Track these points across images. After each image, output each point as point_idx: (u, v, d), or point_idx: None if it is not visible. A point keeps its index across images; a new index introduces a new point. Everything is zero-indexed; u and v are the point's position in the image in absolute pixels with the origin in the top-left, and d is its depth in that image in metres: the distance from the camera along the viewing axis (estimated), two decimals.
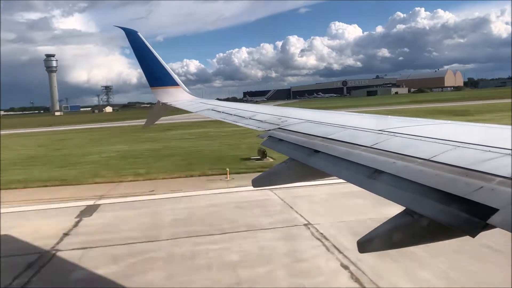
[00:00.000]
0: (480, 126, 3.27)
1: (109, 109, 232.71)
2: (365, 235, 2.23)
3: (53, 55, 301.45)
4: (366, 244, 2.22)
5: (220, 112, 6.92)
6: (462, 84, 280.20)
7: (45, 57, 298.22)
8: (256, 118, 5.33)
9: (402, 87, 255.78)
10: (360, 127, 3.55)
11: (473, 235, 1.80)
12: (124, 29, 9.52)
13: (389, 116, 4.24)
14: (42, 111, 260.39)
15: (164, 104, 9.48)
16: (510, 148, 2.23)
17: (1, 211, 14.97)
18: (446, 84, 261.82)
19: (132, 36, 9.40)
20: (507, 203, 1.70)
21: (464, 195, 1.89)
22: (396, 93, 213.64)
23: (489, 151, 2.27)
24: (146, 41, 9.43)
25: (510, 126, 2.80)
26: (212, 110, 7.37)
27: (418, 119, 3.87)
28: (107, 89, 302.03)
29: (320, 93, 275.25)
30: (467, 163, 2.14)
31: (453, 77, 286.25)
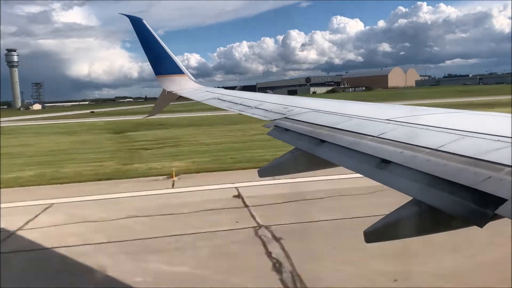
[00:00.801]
0: (488, 115, 3.24)
1: (37, 106, 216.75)
2: (372, 225, 2.23)
3: (14, 50, 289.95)
4: (372, 234, 2.23)
5: (225, 101, 6.90)
6: (414, 83, 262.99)
7: (6, 51, 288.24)
8: (262, 107, 5.31)
9: (344, 85, 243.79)
10: (366, 117, 3.53)
11: (481, 225, 1.80)
12: (129, 16, 9.47)
13: (396, 105, 4.20)
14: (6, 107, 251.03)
15: (169, 92, 9.45)
16: None
17: None
18: (390, 83, 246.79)
19: (137, 24, 9.35)
20: None
21: (472, 185, 1.88)
22: (314, 92, 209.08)
23: (498, 140, 2.25)
24: (151, 29, 9.39)
25: None
26: (217, 99, 7.35)
27: (425, 108, 3.83)
28: (37, 86, 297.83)
29: (269, 90, 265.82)
30: (475, 153, 2.12)
31: (403, 75, 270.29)
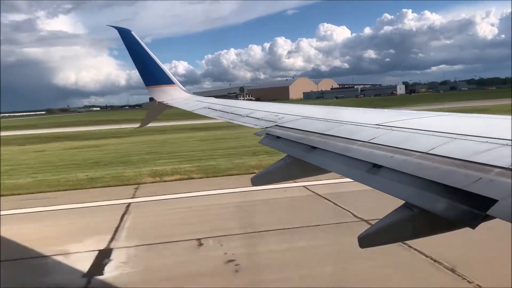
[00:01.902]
0: (477, 117, 3.28)
1: None
2: (365, 230, 2.23)
3: None
4: (366, 239, 2.23)
5: (216, 110, 6.90)
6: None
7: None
8: (253, 115, 5.32)
9: (244, 97, 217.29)
10: (357, 122, 3.55)
11: (473, 226, 1.81)
12: (117, 28, 9.46)
13: (385, 110, 4.25)
14: None
15: (160, 103, 9.44)
16: (508, 138, 2.23)
17: None
18: (291, 95, 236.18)
19: (125, 35, 9.34)
20: (507, 193, 1.70)
21: (463, 187, 1.89)
22: None
23: (487, 142, 2.28)
24: (140, 40, 9.39)
25: (507, 116, 2.81)
26: (208, 108, 7.36)
27: (414, 111, 3.87)
28: None
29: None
30: (465, 155, 2.15)
31: (312, 86, 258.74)
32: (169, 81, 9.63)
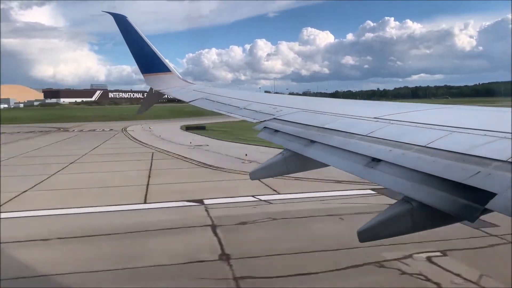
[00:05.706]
0: (475, 110, 3.27)
1: None
2: (365, 224, 2.24)
3: None
4: (366, 233, 2.23)
5: (214, 101, 6.81)
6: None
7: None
8: (251, 108, 5.27)
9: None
10: (355, 116, 3.54)
11: (472, 220, 1.82)
12: (113, 14, 9.20)
13: (383, 103, 4.24)
14: None
15: (156, 91, 9.24)
16: (506, 131, 2.23)
17: None
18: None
19: (121, 22, 9.05)
20: (506, 187, 1.71)
21: (462, 180, 1.90)
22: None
23: (485, 135, 2.28)
24: (135, 26, 9.16)
25: (506, 109, 2.80)
26: (205, 99, 7.25)
27: (412, 104, 3.87)
28: None
29: None
30: (464, 148, 2.15)
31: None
32: (165, 69, 9.35)
